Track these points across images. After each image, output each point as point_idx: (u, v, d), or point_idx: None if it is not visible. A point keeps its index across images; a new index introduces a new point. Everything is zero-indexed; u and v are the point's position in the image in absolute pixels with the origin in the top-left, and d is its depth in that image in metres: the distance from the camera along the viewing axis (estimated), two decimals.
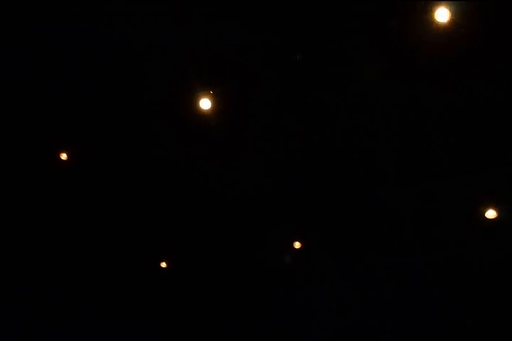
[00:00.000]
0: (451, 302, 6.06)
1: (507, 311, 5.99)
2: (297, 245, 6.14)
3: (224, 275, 6.87)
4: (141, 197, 6.36)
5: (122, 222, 6.60)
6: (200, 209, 6.35)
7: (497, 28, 4.35)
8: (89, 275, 6.84)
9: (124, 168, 6.08)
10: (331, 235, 6.31)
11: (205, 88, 4.96)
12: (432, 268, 5.97)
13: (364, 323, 6.84)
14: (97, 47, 5.01)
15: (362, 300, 6.70)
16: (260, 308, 7.00)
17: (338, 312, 6.85)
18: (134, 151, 5.93)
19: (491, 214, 5.45)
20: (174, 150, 5.76)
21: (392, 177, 5.77)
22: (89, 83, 5.31)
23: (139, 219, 6.56)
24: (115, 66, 5.15)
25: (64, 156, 5.53)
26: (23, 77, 5.29)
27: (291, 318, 7.02)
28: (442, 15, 4.26)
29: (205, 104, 4.97)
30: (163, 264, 6.56)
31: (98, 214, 6.49)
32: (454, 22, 4.19)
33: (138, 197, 6.37)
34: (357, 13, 4.56)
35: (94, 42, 4.94)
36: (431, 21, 4.31)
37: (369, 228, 6.15)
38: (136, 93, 5.32)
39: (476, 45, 4.46)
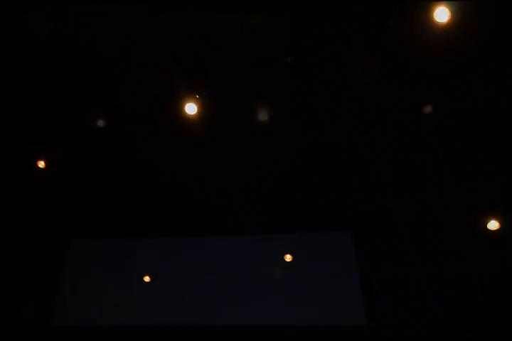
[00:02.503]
0: (451, 316, 5.84)
1: (508, 325, 5.77)
2: (288, 258, 5.92)
3: None
4: (127, 203, 6.22)
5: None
6: (188, 216, 6.19)
7: (497, 28, 4.17)
8: None
9: (109, 174, 5.92)
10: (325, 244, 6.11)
11: (191, 92, 4.75)
12: (431, 280, 5.76)
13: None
14: (80, 50, 4.80)
15: None
16: None
17: None
18: (120, 157, 5.77)
19: (493, 225, 5.29)
20: (160, 156, 5.60)
21: (390, 186, 5.65)
22: (72, 87, 5.12)
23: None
24: (99, 69, 4.94)
25: (42, 164, 5.31)
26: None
27: None
28: (441, 15, 4.10)
29: (191, 108, 4.74)
30: None
31: None
32: (453, 21, 4.01)
33: (124, 204, 6.22)
34: (352, 13, 4.38)
35: (76, 44, 4.74)
36: (429, 21, 4.13)
37: (366, 238, 5.95)
38: (120, 98, 5.12)
39: (476, 46, 4.28)
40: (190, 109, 4.76)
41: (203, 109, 4.74)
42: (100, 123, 5.37)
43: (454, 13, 4.10)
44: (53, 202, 6.17)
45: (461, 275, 5.70)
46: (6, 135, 5.34)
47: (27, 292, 6.02)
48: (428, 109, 5.01)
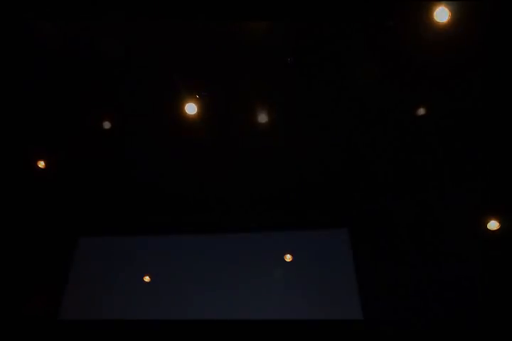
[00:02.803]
0: (451, 318, 5.83)
1: (508, 325, 5.76)
2: (288, 257, 5.92)
3: None
4: (127, 203, 6.21)
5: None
6: (188, 215, 6.19)
7: (497, 28, 4.18)
8: None
9: (109, 174, 5.91)
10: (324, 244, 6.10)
11: (191, 92, 4.76)
12: (430, 279, 5.75)
13: None
14: (80, 50, 4.81)
15: None
16: None
17: None
18: (120, 157, 5.76)
19: (493, 225, 5.28)
20: (160, 156, 5.58)
21: (390, 186, 5.64)
22: (72, 88, 5.11)
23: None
24: (99, 69, 4.94)
25: (42, 164, 5.31)
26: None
27: None
28: (441, 15, 4.11)
29: (191, 108, 4.74)
30: None
31: None
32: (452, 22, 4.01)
33: (124, 203, 6.21)
34: (352, 13, 4.38)
35: (76, 44, 4.74)
36: (429, 21, 4.14)
37: (365, 237, 5.94)
38: (120, 98, 5.12)
39: (476, 45, 4.28)
40: (190, 109, 4.77)
41: (203, 109, 4.75)
42: (100, 123, 5.38)
43: (454, 13, 4.10)
44: (56, 202, 6.17)
45: (461, 275, 5.69)
46: (6, 135, 5.34)
47: (34, 288, 6.07)
48: (428, 109, 5.01)
